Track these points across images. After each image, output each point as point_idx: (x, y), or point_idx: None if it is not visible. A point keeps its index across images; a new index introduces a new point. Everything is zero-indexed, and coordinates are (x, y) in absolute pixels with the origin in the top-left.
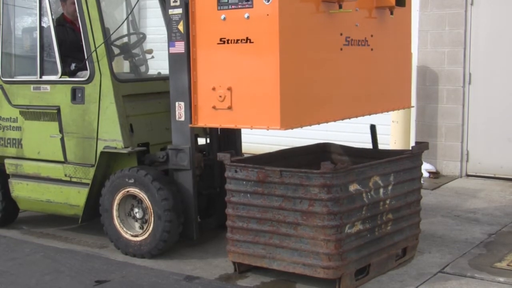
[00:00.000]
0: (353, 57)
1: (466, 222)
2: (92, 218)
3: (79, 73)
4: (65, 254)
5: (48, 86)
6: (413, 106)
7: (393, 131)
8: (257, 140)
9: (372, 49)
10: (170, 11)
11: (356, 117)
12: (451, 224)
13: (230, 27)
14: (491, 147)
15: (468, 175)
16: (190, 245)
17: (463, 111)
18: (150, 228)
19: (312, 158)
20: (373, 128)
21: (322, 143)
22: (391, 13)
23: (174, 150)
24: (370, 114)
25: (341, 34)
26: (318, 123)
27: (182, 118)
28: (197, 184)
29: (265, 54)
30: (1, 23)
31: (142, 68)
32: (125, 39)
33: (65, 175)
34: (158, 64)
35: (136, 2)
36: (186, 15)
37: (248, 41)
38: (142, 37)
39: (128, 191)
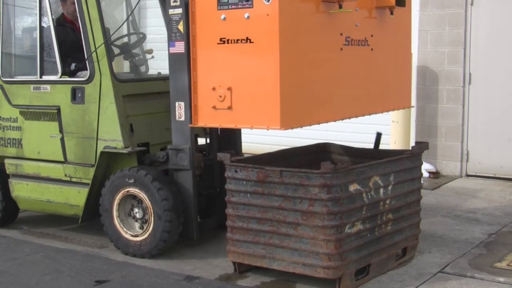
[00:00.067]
0: (353, 57)
1: (466, 222)
2: (92, 218)
3: (79, 73)
4: (65, 254)
5: (48, 86)
6: (413, 106)
7: (393, 131)
8: (257, 140)
9: (372, 49)
10: (170, 11)
11: (356, 117)
12: (451, 224)
13: (230, 27)
14: (491, 147)
15: (468, 175)
16: (190, 245)
17: (463, 111)
18: (150, 228)
19: (312, 158)
20: (378, 135)
21: (322, 143)
22: (391, 13)
23: (174, 150)
24: (370, 114)
25: (341, 34)
26: (318, 123)
27: (182, 118)
28: (197, 184)
29: (265, 54)
30: (1, 23)
31: (142, 68)
32: (125, 39)
33: (65, 175)
34: (158, 64)
35: (137, 3)
36: (186, 15)
37: (248, 41)
38: (142, 37)
39: (128, 191)
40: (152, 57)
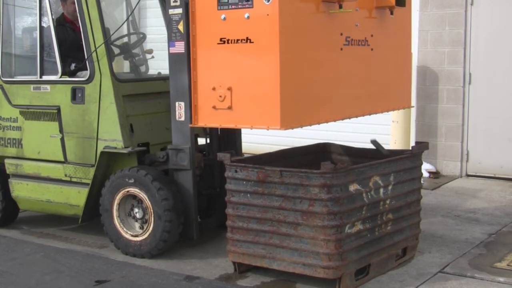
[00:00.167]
0: (353, 57)
1: (466, 222)
2: (92, 218)
3: (79, 73)
4: (65, 254)
5: (48, 86)
6: (413, 106)
7: (393, 131)
8: (257, 140)
9: (372, 49)
10: (170, 11)
11: (356, 117)
12: (451, 224)
13: (230, 27)
14: (491, 147)
15: (468, 175)
16: (190, 245)
17: (463, 111)
18: (150, 228)
19: (312, 158)
20: (375, 142)
21: (322, 143)
22: (391, 13)
23: (174, 150)
24: (370, 114)
25: (341, 34)
26: (318, 123)
27: (182, 118)
28: (197, 184)
29: (265, 54)
30: (1, 23)
31: (142, 68)
32: (125, 39)
33: (65, 175)
34: (158, 64)
35: (137, 3)
36: (186, 15)
37: (248, 41)
38: (142, 37)
39: (128, 191)
40: (152, 57)
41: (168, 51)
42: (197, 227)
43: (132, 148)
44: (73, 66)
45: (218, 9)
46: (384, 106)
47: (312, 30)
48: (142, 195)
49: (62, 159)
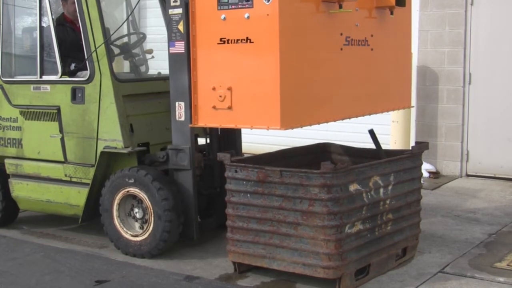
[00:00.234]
0: (353, 57)
1: (466, 222)
2: (92, 218)
3: (79, 73)
4: (65, 254)
5: (48, 86)
6: (413, 106)
7: (393, 131)
8: (257, 140)
9: (372, 49)
10: (170, 11)
11: (356, 117)
12: (451, 224)
13: (230, 27)
14: (491, 147)
15: (468, 175)
16: (190, 245)
17: (463, 111)
18: (150, 228)
19: (312, 158)
20: (371, 132)
21: (322, 143)
22: (391, 13)
23: (174, 150)
24: (370, 114)
25: (341, 34)
26: (318, 123)
27: (182, 118)
28: (197, 184)
29: (265, 54)
30: (1, 23)
31: (142, 68)
32: (125, 39)
33: (65, 175)
34: (158, 64)
35: (137, 3)
36: (186, 15)
37: (248, 41)
38: (142, 37)
39: (128, 191)
40: (152, 57)
41: (168, 51)
42: (197, 227)
43: (132, 148)
44: (73, 66)
45: (218, 9)
46: (384, 106)
47: (312, 30)
48: (142, 195)
49: (62, 159)
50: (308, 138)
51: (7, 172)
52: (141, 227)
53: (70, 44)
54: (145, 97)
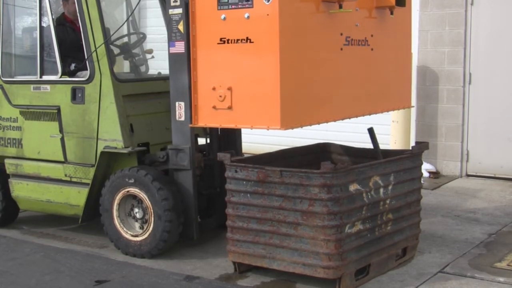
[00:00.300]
0: (353, 57)
1: (466, 222)
2: (92, 218)
3: (79, 73)
4: (65, 254)
5: (48, 86)
6: (413, 106)
7: (393, 131)
8: (257, 140)
9: (372, 49)
10: (170, 11)
11: (356, 117)
12: (451, 224)
13: (230, 27)
14: (491, 147)
15: (468, 175)
16: (190, 245)
17: (463, 111)
18: (150, 228)
19: (312, 158)
20: (371, 130)
21: (322, 143)
22: (391, 13)
23: (174, 150)
24: (370, 114)
25: (341, 34)
26: (318, 123)
27: (182, 118)
28: (197, 184)
29: (265, 54)
30: (1, 23)
31: (142, 68)
32: (125, 39)
33: (65, 175)
34: (158, 64)
35: (138, 3)
36: (186, 15)
37: (248, 41)
38: (142, 37)
39: (128, 191)
40: (152, 57)
41: (168, 51)
42: (197, 227)
43: (132, 148)
44: (73, 66)
45: (218, 9)
46: (384, 106)
47: (312, 30)
48: (142, 195)
49: (62, 159)
50: (308, 138)
51: (7, 172)
52: (141, 227)
53: (70, 44)
54: (145, 97)
